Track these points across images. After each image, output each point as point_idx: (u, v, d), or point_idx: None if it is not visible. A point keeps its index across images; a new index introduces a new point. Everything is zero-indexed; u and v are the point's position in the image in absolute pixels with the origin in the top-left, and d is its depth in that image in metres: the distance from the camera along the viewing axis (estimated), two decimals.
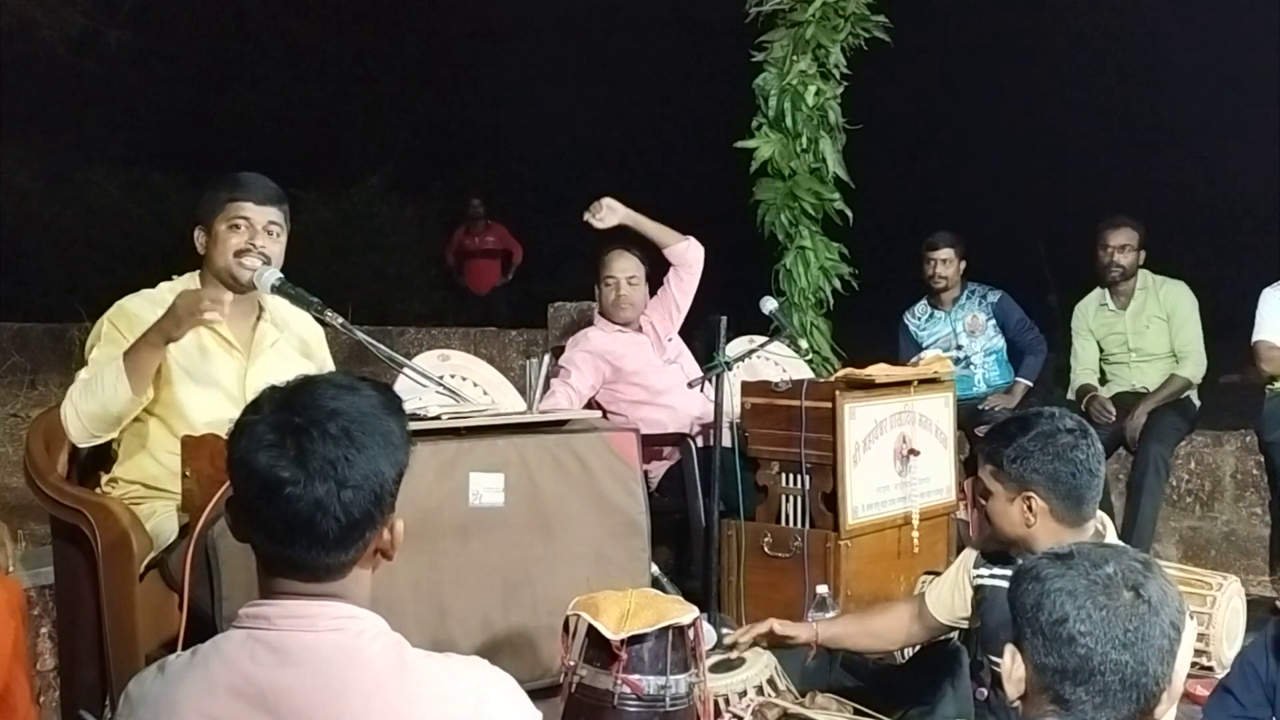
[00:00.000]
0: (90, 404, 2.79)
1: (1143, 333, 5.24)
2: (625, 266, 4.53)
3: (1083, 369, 5.38)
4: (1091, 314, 5.39)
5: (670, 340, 4.71)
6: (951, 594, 2.98)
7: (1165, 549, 5.14)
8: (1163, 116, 13.87)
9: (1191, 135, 13.49)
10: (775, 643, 3.08)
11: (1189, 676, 2.96)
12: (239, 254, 2.96)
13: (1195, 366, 5.16)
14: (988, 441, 2.73)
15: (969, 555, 2.98)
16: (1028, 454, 2.59)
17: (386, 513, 1.58)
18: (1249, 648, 2.78)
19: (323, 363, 3.22)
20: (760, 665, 3.01)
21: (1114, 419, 5.01)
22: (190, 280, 3.05)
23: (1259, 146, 11.98)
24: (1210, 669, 3.55)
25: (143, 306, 2.95)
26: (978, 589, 2.89)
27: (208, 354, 2.99)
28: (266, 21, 14.89)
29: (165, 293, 3.01)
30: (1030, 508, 2.59)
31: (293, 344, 3.15)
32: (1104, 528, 2.72)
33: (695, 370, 4.59)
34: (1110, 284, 5.30)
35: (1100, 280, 5.34)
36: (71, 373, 3.01)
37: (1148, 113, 14.13)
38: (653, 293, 4.73)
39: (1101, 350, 5.37)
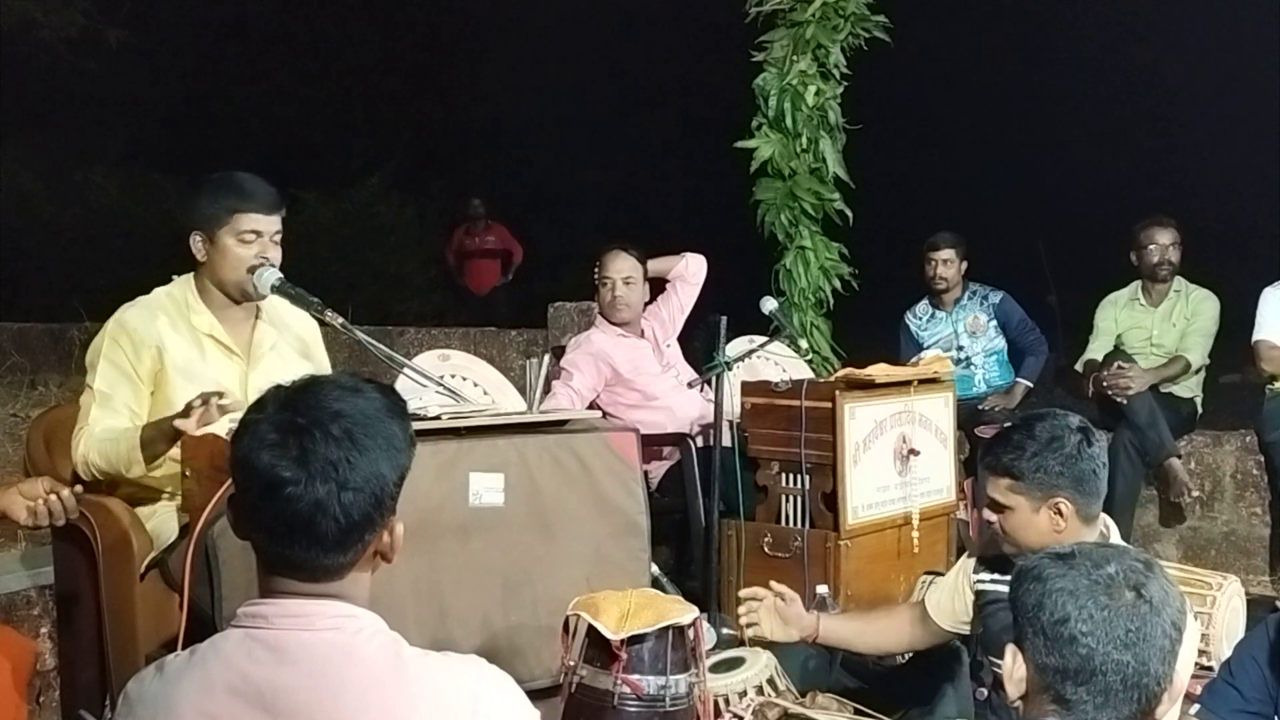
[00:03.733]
0: (102, 463, 2.85)
1: (1169, 333, 5.27)
2: (621, 267, 4.54)
3: (1098, 347, 5.36)
4: (1121, 306, 5.42)
5: (669, 346, 4.73)
6: (952, 600, 2.98)
7: (1165, 549, 5.14)
8: (1163, 116, 13.87)
9: (1192, 135, 13.49)
10: (776, 627, 3.07)
11: (1190, 676, 2.97)
12: (251, 269, 2.95)
13: (1198, 355, 5.19)
14: (995, 455, 2.64)
15: (968, 562, 2.97)
16: (1047, 460, 2.54)
17: (387, 515, 1.58)
18: (1248, 641, 2.78)
19: (320, 362, 3.21)
20: (760, 665, 3.01)
21: (1130, 388, 4.93)
22: (186, 284, 3.02)
23: (1260, 146, 11.98)
24: (1210, 669, 3.54)
25: (142, 319, 2.93)
26: (979, 594, 2.88)
27: (208, 360, 2.99)
28: (266, 21, 14.89)
29: (162, 298, 3.00)
30: (1060, 512, 2.56)
31: (291, 344, 3.15)
32: (1108, 528, 2.71)
33: (689, 376, 4.64)
34: (1160, 280, 5.29)
35: (1149, 277, 5.32)
36: (72, 373, 3.01)
37: (1148, 112, 14.13)
38: (655, 296, 4.77)
39: (1120, 341, 5.38)
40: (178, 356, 2.93)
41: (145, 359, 2.91)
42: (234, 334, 3.04)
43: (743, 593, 3.12)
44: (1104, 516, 2.69)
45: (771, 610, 3.07)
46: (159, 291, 3.03)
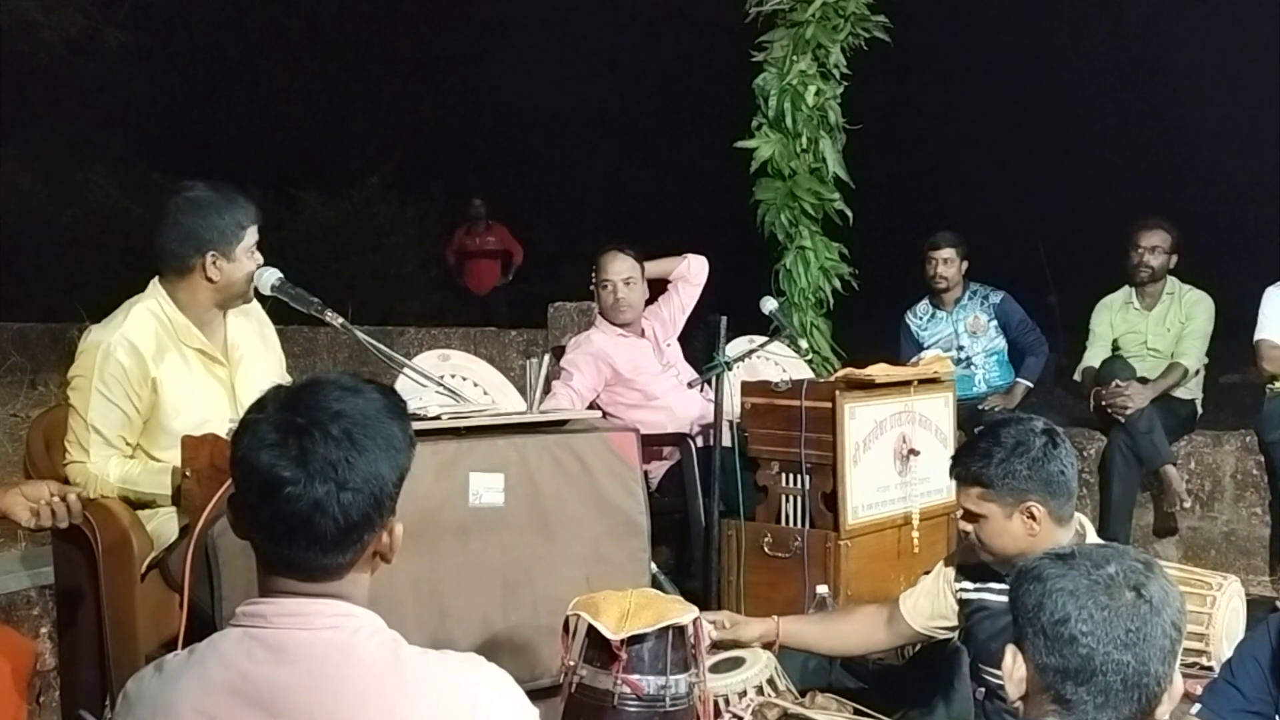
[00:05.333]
0: (129, 491, 2.92)
1: (1163, 335, 5.28)
2: (620, 269, 4.53)
3: (1095, 354, 5.37)
4: (1115, 310, 5.41)
5: (669, 345, 4.73)
6: (931, 603, 2.97)
7: (1165, 549, 5.14)
8: (1163, 116, 13.87)
9: (1193, 134, 13.48)
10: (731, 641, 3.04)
11: (1190, 676, 2.96)
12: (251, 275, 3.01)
13: (1194, 360, 5.19)
14: (963, 465, 2.64)
15: (947, 570, 2.97)
16: (1015, 465, 2.55)
17: (386, 516, 1.58)
18: (1249, 641, 2.77)
19: (270, 338, 3.24)
20: (760, 665, 3.00)
21: (1128, 407, 4.92)
22: (166, 300, 2.98)
23: (1260, 146, 11.98)
24: (1210, 669, 3.54)
25: (128, 354, 2.88)
26: (964, 603, 2.88)
27: (197, 377, 2.99)
28: (266, 21, 14.89)
29: (149, 319, 2.95)
30: (1033, 516, 2.56)
31: (252, 328, 3.18)
32: (1084, 527, 2.72)
33: (689, 375, 4.63)
34: (1139, 284, 5.31)
35: (1129, 279, 5.34)
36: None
37: (1148, 112, 14.13)
38: (656, 296, 4.77)
39: (1116, 345, 5.39)
40: (171, 387, 2.93)
41: (143, 395, 2.90)
42: (214, 339, 3.05)
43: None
44: (1079, 516, 2.69)
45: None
46: (141, 310, 2.96)
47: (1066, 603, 1.59)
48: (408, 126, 15.39)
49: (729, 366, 3.98)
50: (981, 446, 2.61)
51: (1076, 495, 2.64)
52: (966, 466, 2.63)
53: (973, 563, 2.81)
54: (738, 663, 3.01)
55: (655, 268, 4.73)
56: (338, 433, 1.52)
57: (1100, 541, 2.40)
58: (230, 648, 1.53)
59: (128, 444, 2.93)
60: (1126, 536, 4.89)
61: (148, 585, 2.86)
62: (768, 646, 3.06)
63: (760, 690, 2.95)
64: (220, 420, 2.83)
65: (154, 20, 12.22)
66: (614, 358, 4.51)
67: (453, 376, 3.26)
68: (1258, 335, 5.01)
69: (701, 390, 4.44)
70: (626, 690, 2.40)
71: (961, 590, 2.88)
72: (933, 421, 4.16)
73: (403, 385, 3.08)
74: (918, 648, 3.31)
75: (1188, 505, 5.05)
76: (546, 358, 3.34)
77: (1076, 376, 5.43)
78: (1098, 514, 4.99)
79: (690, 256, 4.81)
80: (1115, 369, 5.10)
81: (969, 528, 2.67)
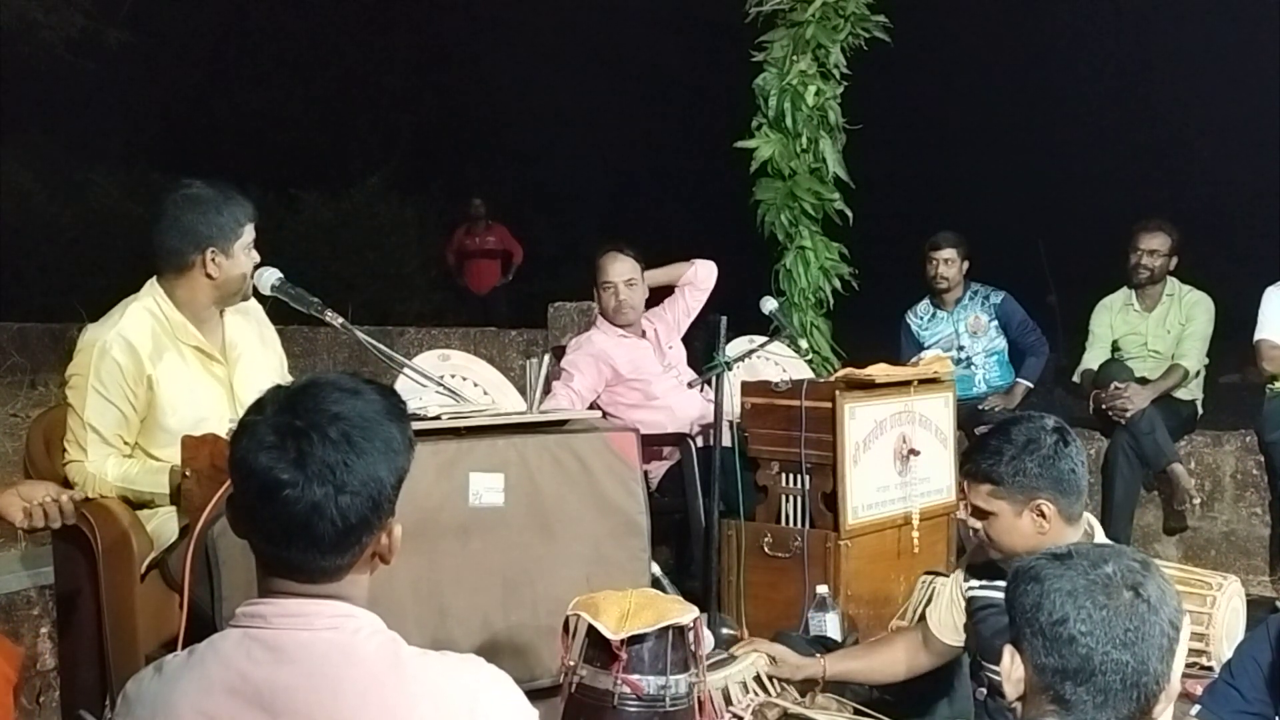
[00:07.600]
0: (128, 490, 2.91)
1: (1163, 337, 5.29)
2: (622, 270, 4.53)
3: (1095, 355, 5.39)
4: (1115, 311, 5.42)
5: (671, 348, 4.73)
6: (951, 613, 2.98)
7: (1165, 549, 5.15)
8: (1163, 116, 13.88)
9: (1192, 134, 13.51)
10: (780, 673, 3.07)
11: (1190, 676, 2.97)
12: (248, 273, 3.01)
13: (1194, 361, 5.21)
14: (974, 462, 2.64)
15: (958, 573, 2.98)
16: (1025, 463, 2.55)
17: (384, 518, 1.58)
18: (1249, 642, 2.78)
19: (270, 338, 3.23)
20: (748, 662, 3.01)
21: (1128, 409, 4.95)
22: (163, 298, 2.98)
23: (1260, 145, 11.98)
24: (1210, 669, 3.54)
25: (124, 352, 2.88)
26: (970, 600, 2.88)
27: (194, 374, 2.99)
28: (266, 21, 14.90)
29: (145, 317, 2.94)
30: (1043, 514, 2.56)
31: (251, 329, 3.17)
32: (1092, 527, 2.72)
33: (690, 377, 4.63)
34: (1137, 286, 5.32)
35: (1128, 280, 5.36)
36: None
37: (1148, 112, 14.14)
38: (662, 299, 4.77)
39: (1116, 346, 5.40)
40: (167, 385, 2.93)
41: (139, 393, 2.90)
42: (212, 338, 3.04)
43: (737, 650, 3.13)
44: (1087, 515, 2.69)
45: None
46: (138, 308, 2.96)
47: (1065, 603, 1.59)
48: (408, 126, 15.40)
49: (729, 366, 3.98)
50: (992, 444, 2.61)
51: (1085, 493, 2.64)
52: (977, 464, 2.63)
53: (980, 561, 2.81)
54: (727, 662, 3.01)
55: (663, 274, 4.73)
56: (336, 435, 1.52)
57: (1106, 541, 2.40)
58: (230, 648, 1.53)
59: (125, 443, 2.93)
60: (1127, 537, 4.90)
61: (148, 585, 2.86)
62: (813, 683, 3.07)
63: (746, 687, 2.95)
64: (218, 419, 2.83)
65: (154, 20, 12.23)
66: (614, 358, 4.51)
67: (453, 376, 3.26)
68: (1258, 335, 5.01)
69: (701, 390, 4.44)
70: (626, 690, 2.40)
71: (969, 588, 2.88)
72: (933, 421, 4.16)
73: (403, 385, 3.09)
74: None
75: (1198, 501, 5.05)
76: (546, 358, 3.34)
77: (1076, 378, 5.44)
78: (1099, 514, 4.99)
79: (699, 262, 4.81)
80: (1113, 372, 5.11)
81: (978, 525, 2.67)
